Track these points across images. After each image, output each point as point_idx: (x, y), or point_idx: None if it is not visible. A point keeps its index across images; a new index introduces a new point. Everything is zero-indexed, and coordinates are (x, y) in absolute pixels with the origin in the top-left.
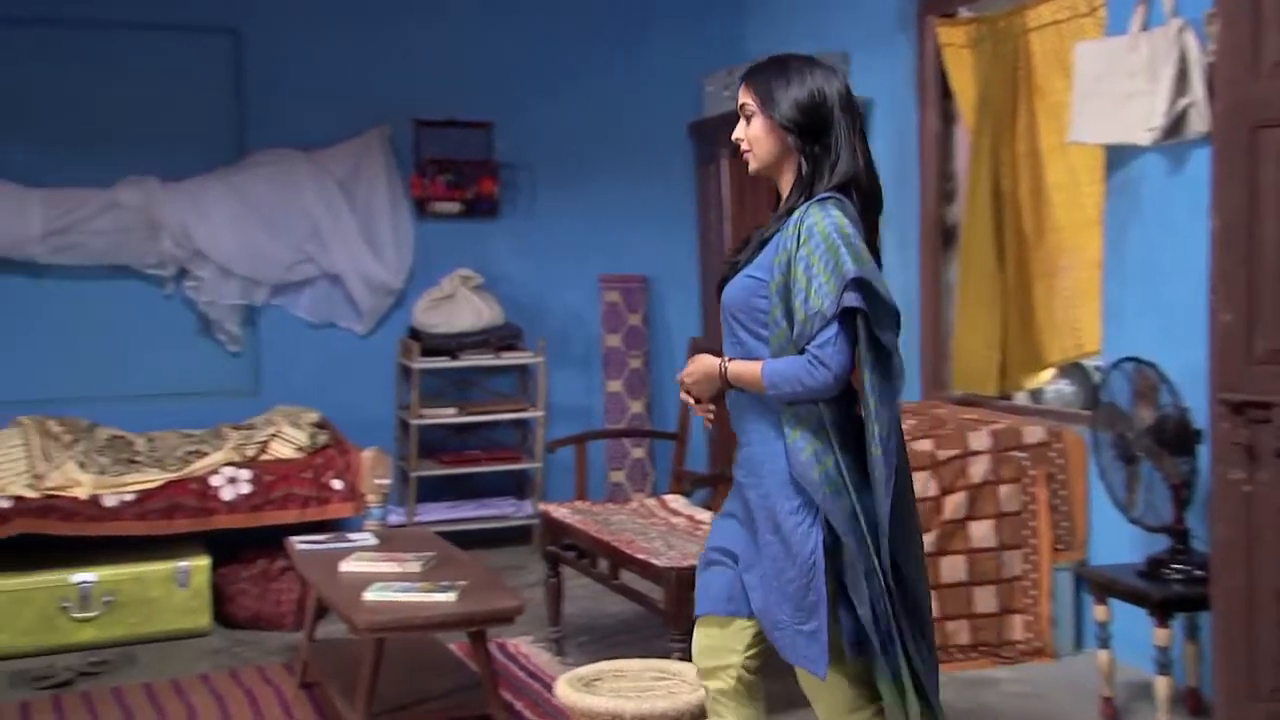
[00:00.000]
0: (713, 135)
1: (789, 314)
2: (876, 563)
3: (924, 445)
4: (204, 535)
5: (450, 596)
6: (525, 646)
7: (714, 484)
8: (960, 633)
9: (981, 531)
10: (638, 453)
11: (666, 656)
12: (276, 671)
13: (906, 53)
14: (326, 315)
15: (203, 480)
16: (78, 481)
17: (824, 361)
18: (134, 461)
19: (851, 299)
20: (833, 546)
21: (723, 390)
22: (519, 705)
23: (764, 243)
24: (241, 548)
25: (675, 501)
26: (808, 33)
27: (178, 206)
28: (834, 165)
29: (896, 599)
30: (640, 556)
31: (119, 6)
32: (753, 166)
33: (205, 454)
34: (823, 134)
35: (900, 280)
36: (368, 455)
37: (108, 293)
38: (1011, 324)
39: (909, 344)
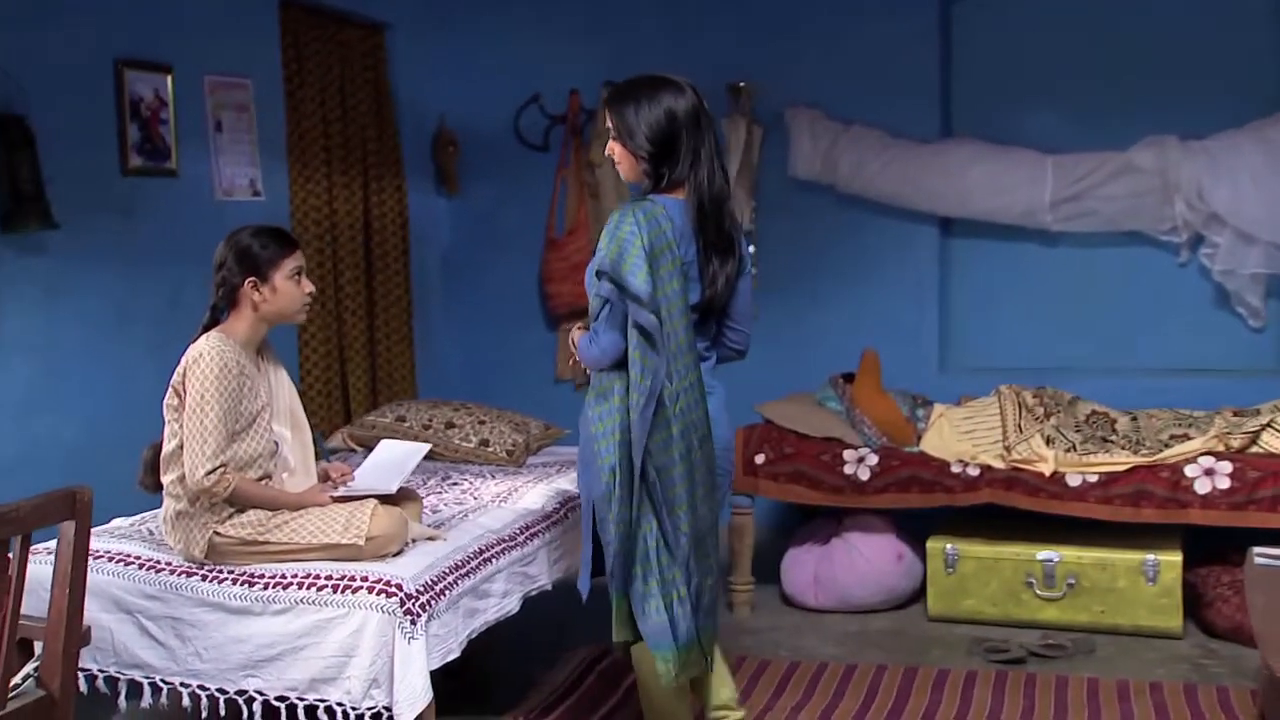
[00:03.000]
0: None
1: None
2: (613, 513)
3: None
4: (1180, 528)
5: None
6: None
7: None
8: None
9: None
10: None
11: None
12: (1241, 699)
13: None
14: None
15: (1176, 468)
16: (1042, 456)
17: (596, 338)
18: (1107, 440)
19: (602, 289)
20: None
21: None
22: None
23: None
24: (1225, 548)
25: None
26: None
27: (1194, 166)
28: (671, 176)
29: (662, 547)
30: None
31: None
32: (623, 178)
33: (1189, 438)
34: (671, 152)
35: None
36: None
37: (1115, 261)
38: None
39: None
